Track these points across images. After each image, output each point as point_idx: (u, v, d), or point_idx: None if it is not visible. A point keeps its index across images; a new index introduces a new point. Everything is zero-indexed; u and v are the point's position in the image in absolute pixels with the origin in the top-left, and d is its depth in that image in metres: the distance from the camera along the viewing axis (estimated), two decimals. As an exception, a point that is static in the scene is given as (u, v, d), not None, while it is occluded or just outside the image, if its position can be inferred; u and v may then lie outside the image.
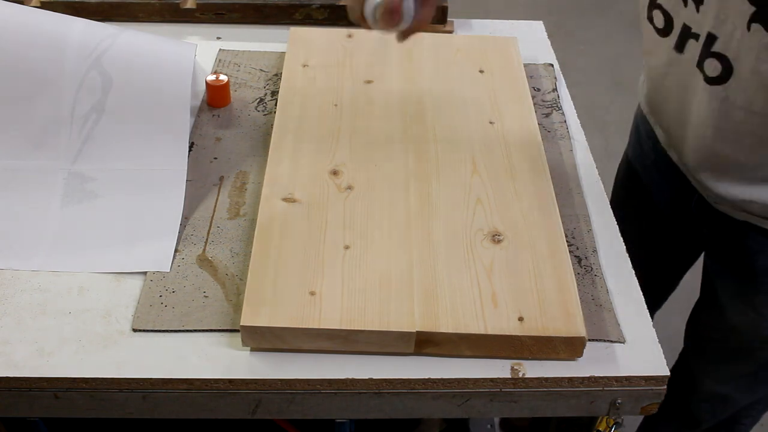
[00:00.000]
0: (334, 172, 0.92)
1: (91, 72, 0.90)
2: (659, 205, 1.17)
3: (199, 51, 1.18)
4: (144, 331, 0.78)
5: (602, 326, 0.81)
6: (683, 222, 1.14)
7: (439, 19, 1.25)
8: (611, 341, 0.79)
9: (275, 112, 1.01)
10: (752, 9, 0.80)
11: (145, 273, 0.84)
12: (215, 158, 0.99)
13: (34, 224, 0.87)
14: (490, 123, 1.01)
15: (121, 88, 0.91)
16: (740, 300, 1.07)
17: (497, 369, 0.76)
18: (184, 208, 0.91)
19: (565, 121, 1.08)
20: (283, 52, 1.15)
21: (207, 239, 0.88)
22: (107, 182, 0.90)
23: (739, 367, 1.15)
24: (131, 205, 0.89)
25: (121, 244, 0.86)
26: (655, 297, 1.35)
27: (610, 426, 0.85)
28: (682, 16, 0.91)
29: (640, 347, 0.79)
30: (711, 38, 0.87)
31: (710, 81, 0.89)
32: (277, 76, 1.13)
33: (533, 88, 1.12)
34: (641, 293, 0.85)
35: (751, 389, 1.19)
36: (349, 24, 1.24)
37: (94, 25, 0.94)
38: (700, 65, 0.90)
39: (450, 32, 1.25)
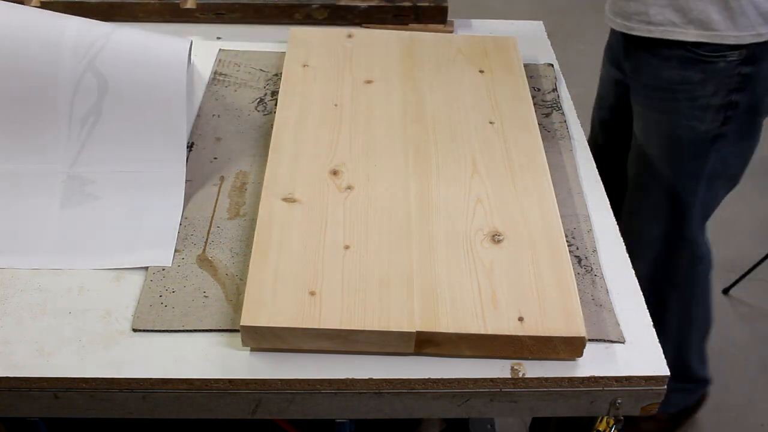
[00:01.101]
0: (334, 172, 0.92)
1: (86, 74, 0.90)
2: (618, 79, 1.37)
3: (199, 51, 1.18)
4: (144, 331, 0.78)
5: (602, 326, 0.81)
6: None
7: (439, 19, 1.25)
8: (611, 341, 0.79)
9: (275, 112, 1.01)
10: None
11: (145, 273, 0.84)
12: (215, 158, 0.99)
13: (34, 225, 0.87)
14: (490, 123, 1.01)
15: (117, 90, 0.91)
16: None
17: (497, 369, 0.76)
18: (184, 208, 0.91)
19: (565, 121, 1.08)
20: (283, 52, 1.15)
21: (207, 239, 0.88)
22: (107, 184, 0.91)
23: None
24: (131, 206, 0.90)
25: (122, 243, 0.87)
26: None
27: (610, 426, 0.85)
28: None
29: (640, 347, 0.79)
30: None
31: None
32: (277, 76, 1.13)
33: (533, 88, 1.12)
34: (641, 293, 0.85)
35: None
36: (349, 24, 1.25)
37: (87, 24, 0.94)
38: None
39: (450, 32, 1.25)
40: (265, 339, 0.76)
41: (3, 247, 0.85)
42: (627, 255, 0.89)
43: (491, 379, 0.76)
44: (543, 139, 0.99)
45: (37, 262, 0.84)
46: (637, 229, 1.33)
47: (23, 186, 0.90)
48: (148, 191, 0.90)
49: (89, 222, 0.88)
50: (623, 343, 0.79)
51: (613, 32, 1.34)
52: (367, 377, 0.75)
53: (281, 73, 1.09)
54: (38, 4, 1.21)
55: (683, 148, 1.24)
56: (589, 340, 0.77)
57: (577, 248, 0.89)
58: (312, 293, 0.78)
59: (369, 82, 1.07)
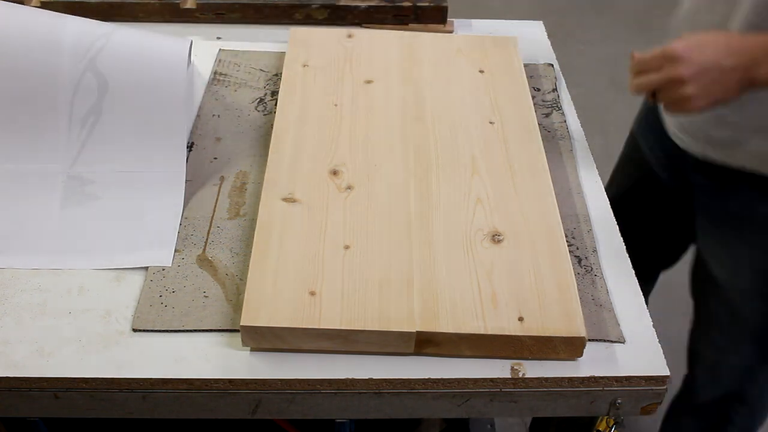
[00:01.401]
0: (334, 172, 0.92)
1: (86, 74, 0.90)
2: (657, 174, 1.20)
3: (199, 51, 1.18)
4: (144, 331, 0.78)
5: (602, 326, 0.81)
6: (679, 189, 1.16)
7: (439, 19, 1.25)
8: (611, 341, 0.79)
9: (275, 112, 1.01)
10: None
11: (145, 273, 0.84)
12: (215, 158, 0.99)
13: (34, 225, 0.87)
14: (490, 123, 1.01)
15: (117, 90, 0.91)
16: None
17: (497, 369, 0.76)
18: (184, 207, 0.91)
19: (565, 121, 1.08)
20: (283, 52, 1.15)
21: (207, 239, 0.88)
22: (107, 184, 0.91)
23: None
24: (131, 206, 0.90)
25: (122, 242, 0.87)
26: (649, 271, 1.37)
27: (610, 426, 0.85)
28: None
29: (640, 347, 0.79)
30: None
31: None
32: (277, 76, 1.13)
33: (533, 88, 1.12)
34: (641, 293, 0.85)
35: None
36: (349, 24, 1.25)
37: (87, 24, 0.94)
38: None
39: (450, 32, 1.25)
40: (265, 339, 0.76)
41: (3, 247, 0.85)
42: (627, 255, 0.89)
43: (491, 379, 0.76)
44: (543, 139, 0.99)
45: (37, 262, 0.84)
46: (713, 360, 1.21)
47: (23, 186, 0.90)
48: (148, 191, 0.90)
49: (89, 222, 0.88)
50: (623, 343, 0.79)
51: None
52: (367, 377, 0.75)
53: (281, 73, 1.09)
54: (38, 4, 1.21)
55: (755, 280, 1.09)
56: (589, 340, 0.77)
57: (577, 248, 0.89)
58: (312, 293, 0.78)
59: (369, 82, 1.07)
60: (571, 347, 0.76)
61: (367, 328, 0.75)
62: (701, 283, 1.17)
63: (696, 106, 0.83)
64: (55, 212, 0.88)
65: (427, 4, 1.24)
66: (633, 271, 0.88)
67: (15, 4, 0.94)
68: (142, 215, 0.89)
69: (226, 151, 1.00)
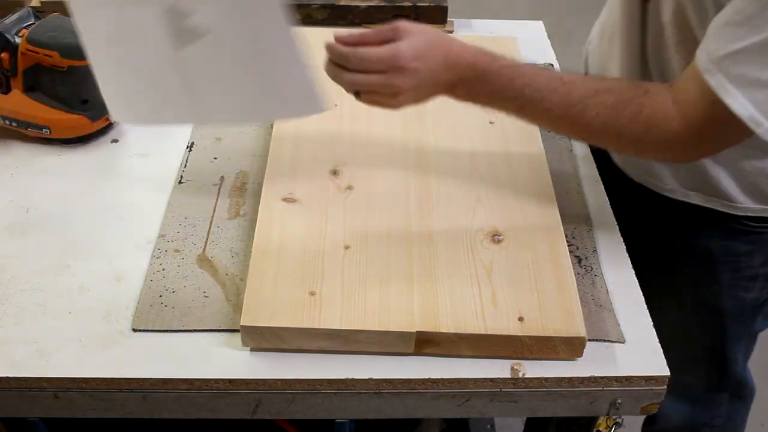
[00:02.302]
0: (334, 172, 0.92)
1: None
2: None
3: (199, 51, 1.18)
4: (144, 331, 0.78)
5: (602, 326, 0.81)
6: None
7: (440, 19, 1.25)
8: (611, 341, 0.79)
9: (275, 112, 1.01)
10: None
11: (145, 273, 0.84)
12: (215, 158, 0.99)
13: (156, 77, 0.77)
14: (490, 123, 1.01)
15: None
16: None
17: (497, 369, 0.76)
18: (184, 207, 0.91)
19: (565, 121, 1.08)
20: (283, 52, 1.14)
21: (207, 239, 0.88)
22: (207, 12, 0.73)
23: None
24: (248, 40, 0.74)
25: (259, 89, 0.76)
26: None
27: (610, 426, 0.85)
28: None
29: (640, 347, 0.79)
30: None
31: None
32: (277, 76, 1.13)
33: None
34: (641, 293, 0.85)
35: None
36: (349, 24, 1.25)
37: None
38: None
39: (450, 32, 1.25)
40: (265, 339, 0.76)
41: (139, 111, 0.78)
42: (627, 255, 0.89)
43: (491, 379, 0.76)
44: (543, 139, 0.99)
45: (174, 118, 0.75)
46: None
47: (129, 33, 0.76)
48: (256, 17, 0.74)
49: (209, 66, 0.75)
50: (623, 343, 0.79)
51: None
52: (367, 377, 0.75)
53: (281, 73, 1.09)
54: (38, 4, 1.21)
55: (726, 318, 1.06)
56: (589, 340, 0.77)
57: (577, 248, 0.89)
58: (312, 293, 0.78)
59: (369, 82, 1.07)
60: (571, 347, 0.76)
61: (367, 328, 0.75)
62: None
63: (396, 108, 0.81)
64: (170, 55, 0.75)
65: (427, 4, 1.24)
66: (633, 271, 0.88)
67: None
68: (267, 52, 0.74)
69: (226, 151, 1.00)
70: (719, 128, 0.77)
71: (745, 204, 0.94)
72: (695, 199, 0.97)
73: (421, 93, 0.81)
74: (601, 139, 0.83)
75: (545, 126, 0.89)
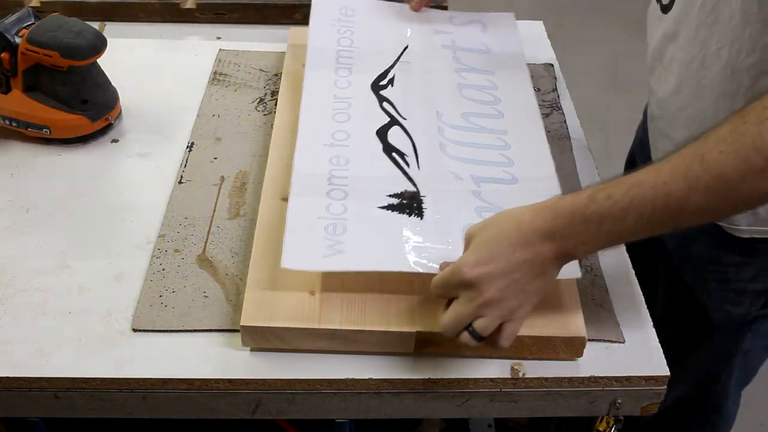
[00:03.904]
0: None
1: None
2: None
3: (199, 51, 1.18)
4: (144, 331, 0.78)
5: (602, 326, 0.81)
6: None
7: (439, 19, 1.24)
8: (611, 341, 0.79)
9: (275, 112, 1.01)
10: None
11: (145, 273, 0.84)
12: (215, 158, 0.99)
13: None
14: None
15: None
16: None
17: (497, 369, 0.76)
18: (184, 207, 0.91)
19: (565, 121, 1.08)
20: (283, 52, 1.15)
21: (207, 239, 0.88)
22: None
23: None
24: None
25: None
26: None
27: (610, 426, 0.85)
28: None
29: (640, 347, 0.79)
30: None
31: None
32: (277, 76, 1.13)
33: (533, 88, 1.12)
34: (641, 293, 0.85)
35: None
36: (349, 24, 1.24)
37: None
38: None
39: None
40: (265, 339, 0.76)
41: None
42: (627, 255, 0.89)
43: (491, 379, 0.76)
44: (543, 139, 0.99)
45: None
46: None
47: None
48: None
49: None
50: (623, 343, 0.79)
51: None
52: (367, 377, 0.75)
53: (281, 73, 1.09)
54: (38, 4, 1.21)
55: (714, 331, 1.02)
56: (589, 340, 0.77)
57: (577, 248, 0.89)
58: (312, 293, 0.78)
59: (369, 82, 1.06)
60: (571, 347, 0.76)
61: (367, 328, 0.75)
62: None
63: (514, 329, 0.69)
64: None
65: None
66: (633, 271, 0.88)
67: None
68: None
69: (226, 151, 1.00)
70: None
71: (741, 226, 0.90)
72: None
73: (515, 289, 0.67)
74: (742, 181, 0.61)
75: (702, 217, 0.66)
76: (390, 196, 0.84)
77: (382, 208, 0.83)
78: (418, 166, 0.88)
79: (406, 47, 1.06)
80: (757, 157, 0.59)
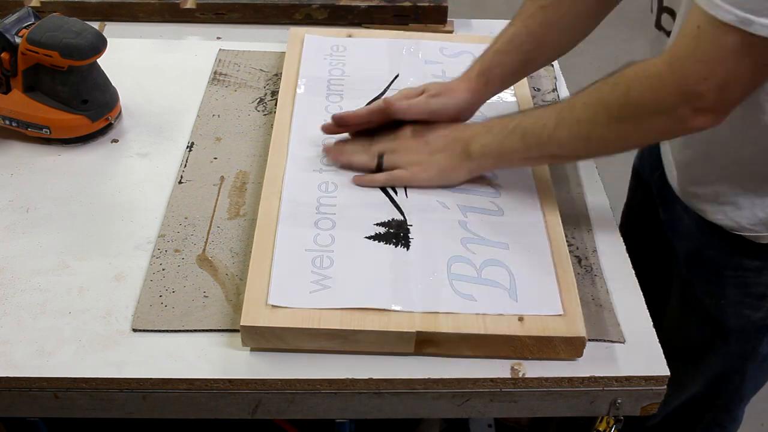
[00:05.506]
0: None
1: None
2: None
3: (199, 51, 1.19)
4: (144, 331, 0.78)
5: (602, 326, 0.81)
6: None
7: (440, 19, 1.25)
8: (611, 341, 0.79)
9: (275, 112, 1.01)
10: None
11: (145, 273, 0.84)
12: (215, 158, 0.99)
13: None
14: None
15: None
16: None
17: (497, 369, 0.76)
18: (184, 207, 0.91)
19: (565, 121, 1.08)
20: (283, 52, 1.14)
21: (207, 239, 0.88)
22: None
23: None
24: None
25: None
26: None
27: (610, 426, 0.85)
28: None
29: (640, 347, 0.79)
30: None
31: None
32: (277, 76, 1.13)
33: (533, 88, 1.12)
34: (641, 293, 0.85)
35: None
36: (349, 24, 1.25)
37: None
38: None
39: (450, 32, 1.25)
40: (265, 339, 0.76)
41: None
42: (627, 255, 0.89)
43: (491, 379, 0.76)
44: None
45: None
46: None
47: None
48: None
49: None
50: (623, 343, 0.79)
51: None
52: (367, 377, 0.75)
53: (281, 73, 1.09)
54: (38, 4, 1.21)
55: (730, 334, 1.02)
56: (589, 340, 0.77)
57: (577, 248, 0.89)
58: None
59: (369, 82, 1.07)
60: (571, 347, 0.76)
61: (367, 328, 0.75)
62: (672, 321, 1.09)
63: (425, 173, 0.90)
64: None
65: (427, 4, 1.24)
66: (633, 271, 0.88)
67: None
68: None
69: (226, 151, 1.00)
70: (709, 48, 0.70)
71: (762, 233, 0.91)
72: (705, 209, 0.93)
73: (425, 150, 0.90)
74: (594, 127, 0.80)
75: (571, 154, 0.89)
76: (377, 224, 0.85)
77: (369, 238, 0.83)
78: (406, 194, 0.89)
79: (397, 76, 1.07)
80: (604, 112, 0.79)
